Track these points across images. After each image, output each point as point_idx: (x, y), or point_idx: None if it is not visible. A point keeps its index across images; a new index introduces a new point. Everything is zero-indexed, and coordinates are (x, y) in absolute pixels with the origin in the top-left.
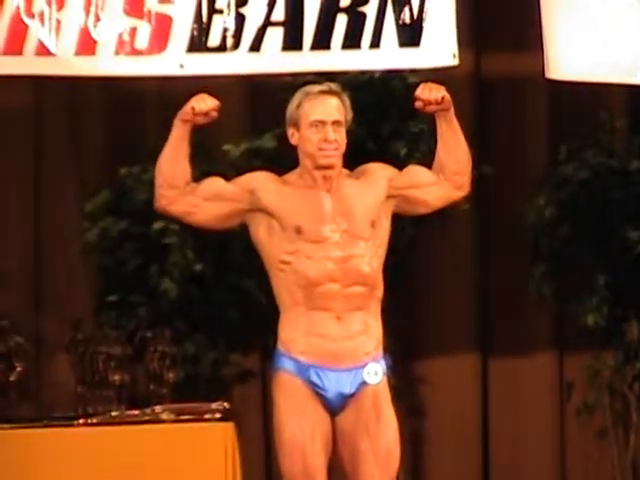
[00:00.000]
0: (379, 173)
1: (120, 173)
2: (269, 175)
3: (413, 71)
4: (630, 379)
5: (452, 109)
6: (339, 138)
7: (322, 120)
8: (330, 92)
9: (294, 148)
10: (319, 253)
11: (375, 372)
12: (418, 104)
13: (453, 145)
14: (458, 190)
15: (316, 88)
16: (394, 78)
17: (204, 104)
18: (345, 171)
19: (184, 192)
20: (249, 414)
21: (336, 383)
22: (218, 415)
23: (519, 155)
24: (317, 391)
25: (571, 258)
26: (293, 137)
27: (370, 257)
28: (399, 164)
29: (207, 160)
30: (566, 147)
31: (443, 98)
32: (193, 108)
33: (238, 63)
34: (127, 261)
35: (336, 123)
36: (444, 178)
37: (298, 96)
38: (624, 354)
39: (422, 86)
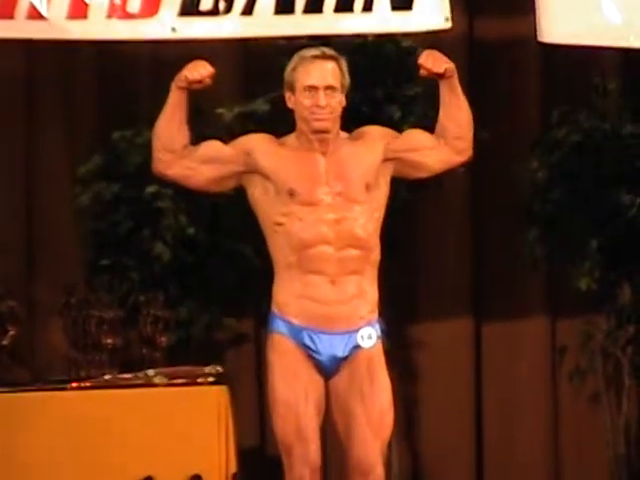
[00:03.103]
0: (377, 136)
1: (113, 137)
2: (266, 137)
3: (406, 35)
4: (623, 343)
5: (456, 75)
6: (333, 102)
7: (315, 85)
8: (325, 56)
9: (289, 111)
10: (312, 215)
11: (369, 336)
12: (422, 72)
13: (455, 110)
14: (458, 155)
15: (311, 52)
16: (387, 42)
17: (197, 73)
18: (344, 134)
19: (181, 156)
20: (242, 378)
21: (329, 346)
22: (211, 379)
23: (511, 119)
24: (310, 354)
25: (564, 222)
26: (289, 100)
27: (365, 220)
28: (394, 128)
29: (201, 124)
30: (558, 110)
31: (446, 70)
32: (186, 76)
33: (230, 27)
34: (120, 225)
35: (329, 88)
36: (445, 142)
37: (294, 60)
38: (617, 318)
39: (425, 54)
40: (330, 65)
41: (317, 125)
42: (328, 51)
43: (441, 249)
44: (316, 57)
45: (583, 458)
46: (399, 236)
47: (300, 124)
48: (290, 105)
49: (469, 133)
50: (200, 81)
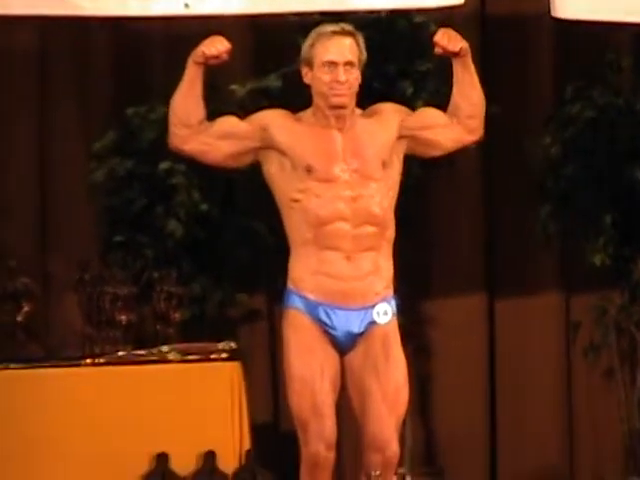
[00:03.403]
0: (391, 113)
1: (127, 112)
2: (283, 112)
3: (419, 10)
4: (637, 318)
5: (469, 54)
6: (351, 78)
7: (334, 61)
8: (343, 32)
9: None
10: (329, 192)
11: (385, 312)
12: (437, 50)
13: (468, 89)
14: (470, 134)
15: (329, 28)
16: (400, 17)
17: (214, 48)
18: (358, 110)
19: (198, 131)
20: (256, 354)
21: (345, 322)
22: (225, 355)
23: (525, 94)
24: (326, 329)
25: (577, 198)
26: (306, 76)
27: (381, 198)
28: (406, 104)
29: (214, 100)
30: (572, 86)
31: (461, 49)
32: (204, 52)
33: (243, 3)
34: (134, 201)
35: (348, 64)
36: (457, 121)
37: (312, 36)
38: (631, 293)
39: (441, 32)
40: (348, 41)
41: (336, 100)
42: (347, 27)
43: (454, 226)
44: (335, 33)
45: (597, 433)
46: (413, 213)
47: (317, 100)
48: (307, 81)
49: (481, 112)
50: (217, 56)
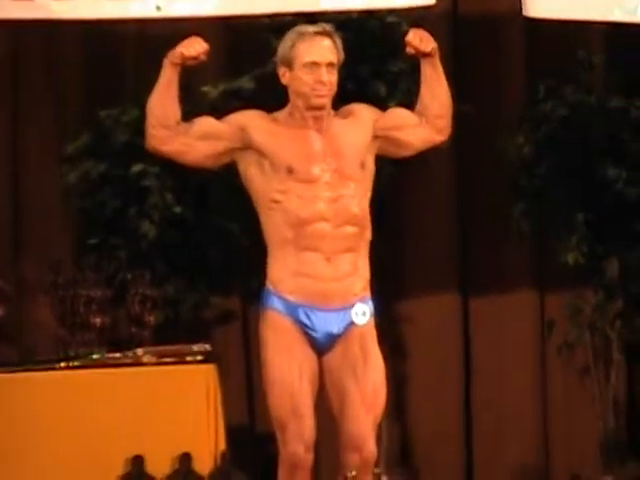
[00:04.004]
0: (365, 114)
1: (99, 115)
2: (260, 113)
3: (391, 11)
4: (611, 317)
5: (438, 55)
6: (332, 79)
7: (316, 62)
8: (324, 33)
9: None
10: (310, 192)
11: (363, 312)
12: (409, 50)
13: (437, 89)
14: (439, 134)
15: (311, 29)
16: (372, 18)
17: (193, 49)
18: (332, 111)
19: (176, 132)
20: (230, 356)
21: (324, 323)
22: (199, 357)
23: (498, 93)
24: (305, 330)
25: (551, 196)
26: (284, 77)
27: (360, 198)
28: (379, 104)
29: (186, 101)
30: (544, 85)
31: (432, 50)
32: (182, 53)
33: (215, 5)
34: (106, 204)
35: (330, 65)
36: (426, 121)
37: (291, 36)
38: (605, 292)
39: (413, 33)
40: (328, 42)
41: (317, 102)
42: (327, 27)
43: (428, 225)
44: (317, 33)
45: (572, 430)
46: (386, 213)
47: (296, 100)
48: (285, 81)
49: (449, 112)
50: (195, 57)
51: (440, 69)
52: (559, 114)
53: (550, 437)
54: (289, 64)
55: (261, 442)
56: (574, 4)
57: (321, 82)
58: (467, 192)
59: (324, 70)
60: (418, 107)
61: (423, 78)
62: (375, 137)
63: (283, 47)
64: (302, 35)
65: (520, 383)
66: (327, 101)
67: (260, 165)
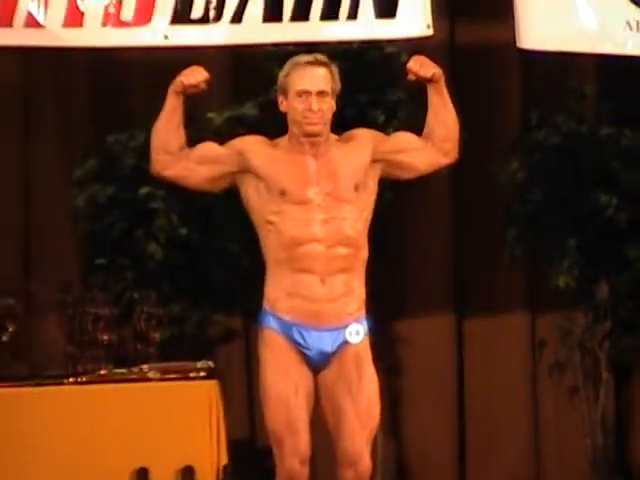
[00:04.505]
0: (365, 138)
1: (108, 140)
2: (259, 139)
3: (390, 41)
4: (600, 338)
5: (443, 80)
6: (324, 107)
7: (307, 90)
8: (317, 63)
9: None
10: (303, 215)
11: (357, 332)
12: (410, 76)
13: (442, 113)
14: (444, 157)
15: (303, 59)
16: (371, 48)
17: (193, 78)
18: (333, 136)
19: (178, 157)
20: (233, 372)
21: (318, 342)
22: (203, 373)
23: (493, 120)
24: (300, 349)
25: (543, 221)
26: (282, 104)
27: (354, 220)
28: (378, 131)
29: (191, 127)
30: (538, 113)
31: (433, 75)
32: (183, 82)
33: (220, 34)
34: (114, 226)
35: (321, 93)
36: (431, 144)
37: (287, 66)
38: (594, 314)
39: (414, 59)
40: (322, 71)
41: (309, 129)
42: (320, 57)
43: (425, 248)
44: (309, 63)
45: (562, 448)
46: (385, 235)
47: (292, 127)
48: (283, 109)
49: (455, 135)
50: (196, 86)
51: (445, 94)
52: (552, 142)
53: (541, 454)
54: (285, 92)
55: (261, 456)
56: (566, 37)
57: (311, 110)
58: (462, 217)
59: (314, 98)
60: (425, 131)
61: (429, 103)
62: (376, 160)
63: (280, 76)
64: (296, 65)
65: (512, 401)
66: (320, 128)
67: (257, 188)
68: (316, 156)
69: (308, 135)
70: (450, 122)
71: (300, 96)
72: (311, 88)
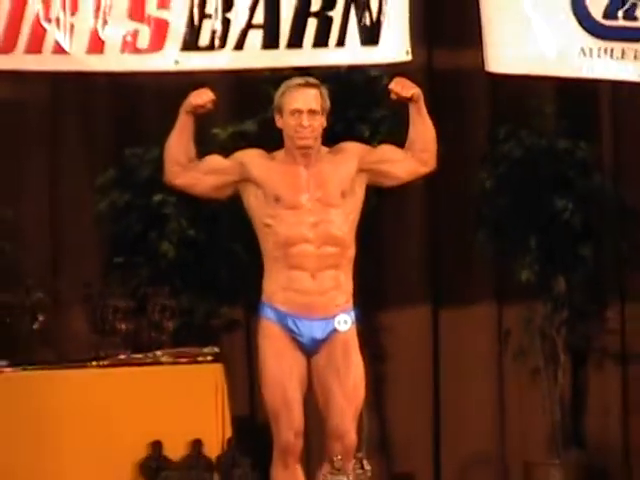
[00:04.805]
0: (353, 150)
1: (126, 153)
2: (259, 152)
3: (374, 65)
4: (558, 325)
5: (422, 99)
6: (314, 124)
7: (299, 109)
8: (308, 85)
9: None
10: (294, 218)
11: (345, 321)
12: (393, 96)
13: (421, 128)
14: (424, 166)
15: (296, 81)
16: (357, 71)
17: (200, 99)
18: (325, 149)
19: (188, 168)
20: (235, 357)
21: (310, 330)
22: (209, 358)
23: (464, 135)
24: (294, 337)
25: (508, 224)
26: (278, 122)
27: (341, 222)
28: (364, 144)
29: (199, 142)
30: (504, 129)
31: (412, 95)
32: (191, 103)
33: (224, 60)
34: (131, 228)
35: (312, 112)
36: (412, 155)
37: (282, 87)
38: (553, 304)
39: (395, 81)
40: (313, 92)
41: (300, 142)
42: (311, 80)
43: (405, 247)
44: (301, 85)
45: (525, 423)
46: (370, 237)
47: (287, 141)
48: (279, 125)
49: (433, 147)
50: (203, 106)
51: (424, 111)
52: (516, 154)
53: (506, 428)
54: (280, 111)
55: (261, 431)
56: (529, 62)
57: (302, 126)
58: (438, 220)
59: (305, 116)
60: (407, 144)
61: (410, 119)
62: (362, 170)
63: (276, 96)
64: (289, 86)
65: (481, 383)
66: (311, 142)
67: (256, 195)
68: (307, 166)
69: (300, 148)
70: (428, 136)
71: (293, 114)
72: (302, 107)
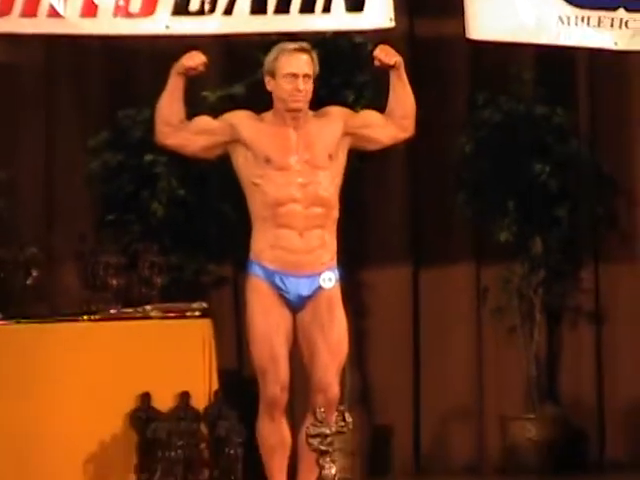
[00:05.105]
0: (338, 114)
1: (118, 115)
2: (248, 113)
3: (358, 32)
4: (535, 285)
5: (403, 67)
6: (307, 88)
7: (295, 73)
8: (302, 50)
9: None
10: (284, 179)
11: (329, 279)
12: (376, 62)
13: (402, 95)
14: (403, 132)
15: (291, 46)
16: (342, 37)
17: (192, 62)
18: (310, 112)
19: (179, 129)
20: (223, 313)
21: (296, 287)
22: (198, 313)
23: (445, 101)
24: (281, 293)
25: (487, 186)
26: (269, 84)
27: (327, 184)
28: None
29: (188, 104)
30: (483, 95)
31: (395, 62)
32: (184, 64)
33: (214, 25)
34: (123, 187)
35: (306, 76)
36: (392, 121)
37: (275, 51)
38: (530, 265)
39: (379, 48)
40: (305, 57)
41: (294, 105)
42: (305, 45)
43: (387, 209)
44: (296, 50)
45: (502, 378)
46: (353, 199)
47: (277, 104)
48: (269, 88)
49: (412, 114)
50: (195, 68)
51: (404, 78)
52: (495, 119)
53: (483, 384)
54: (272, 74)
55: (247, 384)
56: (507, 30)
57: (298, 90)
58: (419, 183)
59: (301, 80)
60: (387, 110)
61: (391, 86)
62: (346, 134)
63: (268, 60)
64: (284, 50)
65: (460, 339)
66: (303, 105)
67: (245, 155)
68: (296, 128)
69: (292, 110)
70: (408, 102)
71: (288, 78)
72: (298, 71)
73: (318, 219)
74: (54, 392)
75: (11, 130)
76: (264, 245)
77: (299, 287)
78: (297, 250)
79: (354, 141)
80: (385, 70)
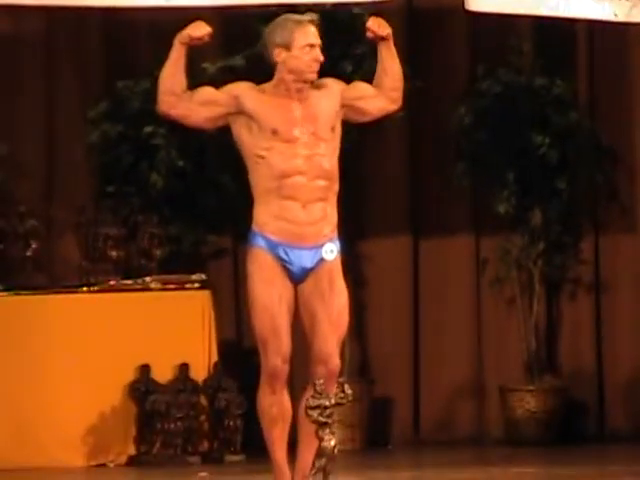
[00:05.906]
0: (335, 86)
1: (117, 86)
2: (250, 85)
3: (357, 4)
4: (534, 257)
5: (392, 39)
6: (321, 58)
7: (313, 44)
8: (313, 22)
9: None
10: (290, 151)
11: (331, 250)
12: (369, 34)
13: (390, 67)
14: (392, 103)
15: (306, 18)
16: (341, 9)
17: (198, 31)
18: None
19: (182, 99)
20: (222, 284)
21: (299, 258)
22: (197, 285)
23: (445, 72)
24: (284, 265)
25: (486, 158)
26: (279, 56)
27: (330, 156)
28: (346, 80)
29: (188, 75)
30: (483, 66)
31: (387, 34)
32: (189, 34)
33: None
34: (122, 158)
35: (320, 47)
36: (381, 93)
37: (288, 24)
38: (529, 236)
39: (372, 19)
40: (314, 28)
41: (311, 76)
42: (314, 16)
43: (386, 180)
44: (310, 22)
45: (501, 349)
46: (352, 170)
47: (287, 75)
48: (279, 60)
49: (401, 86)
50: (200, 38)
51: (393, 50)
52: (494, 91)
53: (483, 355)
54: (287, 46)
55: (247, 355)
56: (508, 1)
57: (317, 60)
58: (418, 153)
59: (318, 50)
60: (375, 81)
61: (379, 58)
62: (343, 106)
63: (282, 32)
64: (299, 22)
65: (459, 311)
66: (316, 76)
67: (249, 127)
68: (300, 101)
69: (305, 81)
70: (397, 74)
71: (305, 49)
72: (316, 42)
73: (321, 191)
74: (53, 363)
75: (11, 102)
76: (268, 217)
77: (302, 259)
78: (300, 222)
79: (347, 113)
80: (375, 42)
